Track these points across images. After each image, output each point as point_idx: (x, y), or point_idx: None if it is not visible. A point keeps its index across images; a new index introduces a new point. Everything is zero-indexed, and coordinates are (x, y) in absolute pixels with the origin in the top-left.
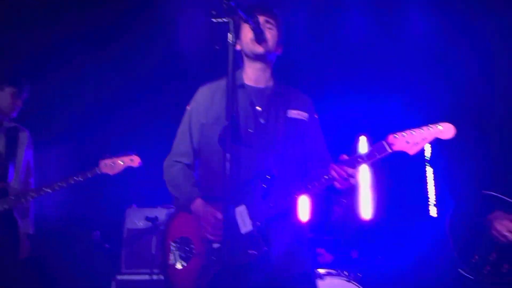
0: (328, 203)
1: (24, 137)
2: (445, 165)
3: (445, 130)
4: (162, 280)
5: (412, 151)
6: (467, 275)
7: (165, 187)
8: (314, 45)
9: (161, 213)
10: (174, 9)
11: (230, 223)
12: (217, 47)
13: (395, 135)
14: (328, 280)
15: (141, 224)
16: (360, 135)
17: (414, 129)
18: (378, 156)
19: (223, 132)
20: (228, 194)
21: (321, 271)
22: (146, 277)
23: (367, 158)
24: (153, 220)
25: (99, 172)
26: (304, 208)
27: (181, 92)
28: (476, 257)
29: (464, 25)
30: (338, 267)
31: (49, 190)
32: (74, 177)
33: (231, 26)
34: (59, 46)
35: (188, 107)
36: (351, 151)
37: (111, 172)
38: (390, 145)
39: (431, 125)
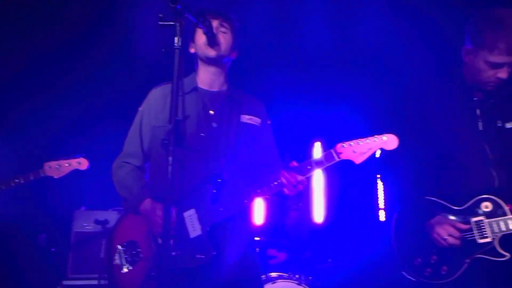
0: (283, 207)
1: None
2: (391, 171)
3: (389, 141)
4: (108, 285)
5: (358, 160)
6: (410, 277)
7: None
8: (270, 50)
9: (111, 216)
10: (126, 10)
11: (179, 227)
12: (163, 50)
13: (343, 144)
14: (280, 283)
15: (90, 227)
16: (315, 141)
17: (361, 139)
18: (326, 164)
19: (166, 136)
20: (172, 198)
21: (273, 274)
22: (94, 282)
23: (316, 165)
24: (103, 223)
25: (43, 175)
26: (259, 211)
27: (134, 93)
28: (419, 259)
29: (409, 38)
30: (290, 270)
31: None
32: (16, 180)
33: (178, 30)
34: (4, 42)
35: (140, 108)
36: (306, 156)
37: (56, 175)
38: (338, 153)
39: (376, 136)
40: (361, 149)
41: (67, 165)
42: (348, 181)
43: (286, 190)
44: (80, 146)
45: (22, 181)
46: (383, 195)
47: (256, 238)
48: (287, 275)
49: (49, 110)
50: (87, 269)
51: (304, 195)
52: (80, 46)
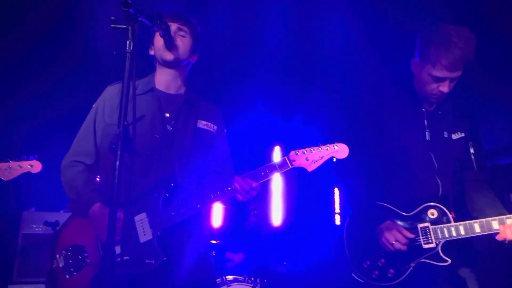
0: (242, 211)
1: None
2: (344, 177)
3: (340, 150)
4: None
5: (310, 168)
6: (358, 279)
7: None
8: (230, 55)
9: (63, 218)
10: (82, 9)
11: (129, 231)
12: (114, 53)
13: (296, 151)
14: (235, 287)
15: (39, 229)
16: (275, 145)
17: (314, 147)
18: (279, 170)
19: (114, 140)
20: (117, 202)
21: (229, 277)
22: (42, 286)
23: (269, 171)
24: (53, 225)
25: None
26: (217, 214)
27: (87, 93)
28: (368, 262)
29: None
30: (246, 273)
31: None
32: None
33: (130, 34)
34: None
35: (94, 105)
36: (266, 160)
37: (4, 177)
38: (291, 161)
39: (328, 145)
40: (313, 157)
41: (18, 167)
42: (305, 186)
43: (239, 196)
44: (31, 145)
45: None
46: (339, 200)
47: (213, 241)
48: (242, 278)
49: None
50: (34, 273)
51: (263, 200)
52: (36, 45)
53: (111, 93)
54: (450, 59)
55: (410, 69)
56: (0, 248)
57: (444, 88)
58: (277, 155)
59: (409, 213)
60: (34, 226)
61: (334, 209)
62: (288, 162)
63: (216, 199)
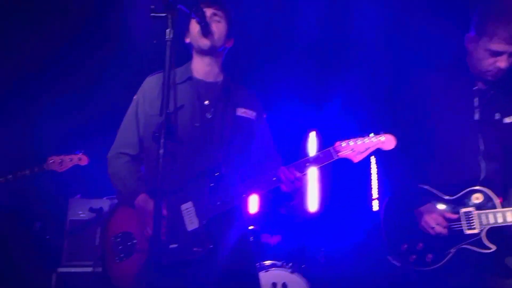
0: (278, 198)
1: None
2: (385, 158)
3: (387, 141)
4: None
5: (356, 159)
6: (395, 262)
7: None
8: (264, 42)
9: (106, 205)
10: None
11: (176, 220)
12: (154, 42)
13: (342, 142)
14: (273, 272)
15: (85, 215)
16: (310, 131)
17: (359, 138)
18: (324, 162)
19: (156, 129)
20: (163, 192)
21: (266, 262)
22: (89, 269)
23: (314, 163)
24: (98, 211)
25: (47, 169)
26: (253, 200)
27: (128, 83)
28: (405, 246)
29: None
30: (283, 258)
31: None
32: (22, 172)
33: (170, 22)
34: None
35: (134, 97)
36: (301, 148)
37: (58, 169)
38: (336, 152)
39: (374, 136)
40: (359, 148)
41: (69, 160)
42: (342, 171)
43: (283, 187)
44: (77, 136)
45: (28, 173)
46: (376, 185)
47: (250, 227)
48: (280, 263)
49: (46, 105)
50: (82, 256)
51: (298, 191)
52: (78, 40)
53: (150, 84)
54: (509, 31)
55: (461, 46)
56: (50, 233)
57: (502, 63)
58: (312, 141)
59: (451, 196)
60: (80, 212)
61: (371, 194)
62: (333, 153)
63: (262, 189)
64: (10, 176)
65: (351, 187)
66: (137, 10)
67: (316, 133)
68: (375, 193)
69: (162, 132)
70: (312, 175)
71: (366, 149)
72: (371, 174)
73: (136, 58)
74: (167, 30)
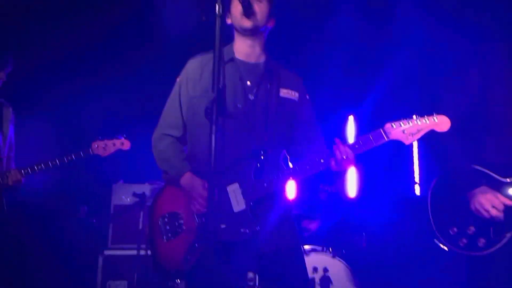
0: (317, 181)
1: (8, 112)
2: (435, 139)
3: (440, 123)
4: (149, 256)
5: (407, 141)
6: (442, 246)
7: (152, 163)
8: (303, 23)
9: (148, 189)
10: None
11: (223, 200)
12: (203, 19)
13: (392, 124)
14: (313, 256)
15: (128, 199)
16: (349, 115)
17: (410, 119)
18: (374, 144)
19: (210, 105)
20: (215, 169)
21: (306, 247)
22: (133, 252)
23: (363, 144)
24: (140, 196)
25: (91, 153)
26: (291, 186)
27: (170, 65)
28: (455, 229)
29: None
30: (323, 243)
31: (42, 167)
32: (67, 157)
33: None
34: (46, 22)
35: (177, 79)
36: (341, 130)
37: (102, 154)
38: (386, 133)
39: (427, 117)
40: (411, 130)
41: (112, 145)
42: (382, 155)
43: (334, 165)
44: (119, 122)
45: (73, 158)
46: (418, 169)
47: None
48: (320, 247)
49: (89, 91)
50: (126, 239)
51: (339, 176)
52: (119, 24)
53: (193, 66)
54: None
55: None
56: (96, 217)
57: None
58: (351, 125)
59: (508, 178)
60: (123, 197)
61: (413, 178)
62: (383, 134)
63: (309, 171)
64: (57, 161)
65: (390, 171)
66: None
67: (354, 117)
68: (416, 177)
69: (214, 108)
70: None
71: (418, 131)
72: (412, 157)
73: (177, 40)
74: (217, 6)
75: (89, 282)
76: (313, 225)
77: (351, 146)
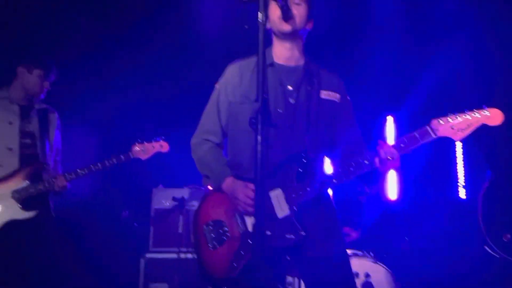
0: (356, 183)
1: (54, 118)
2: (488, 139)
3: (493, 116)
4: (190, 259)
5: (457, 137)
6: (493, 253)
7: (190, 168)
8: (343, 21)
9: (187, 194)
10: None
11: (266, 207)
12: (246, 27)
13: (439, 120)
14: (354, 261)
15: (168, 204)
16: (387, 115)
17: (458, 114)
18: (421, 142)
19: (254, 115)
20: (261, 178)
21: (347, 251)
22: (174, 255)
23: (409, 143)
24: (180, 200)
25: (132, 157)
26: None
27: (209, 72)
28: (508, 236)
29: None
30: (363, 247)
31: (85, 172)
32: (109, 161)
33: (261, 4)
34: (86, 30)
35: (216, 85)
36: (379, 131)
37: (142, 157)
38: (434, 130)
39: (476, 111)
40: (460, 125)
41: (151, 147)
42: (422, 155)
43: (379, 166)
44: (156, 127)
45: (115, 162)
46: (463, 171)
47: None
48: (361, 252)
49: (127, 95)
50: (166, 242)
51: (379, 178)
52: (160, 31)
53: (232, 72)
54: None
55: None
56: (137, 221)
57: None
58: (390, 126)
59: None
60: (163, 201)
61: (457, 181)
62: (431, 131)
63: (354, 173)
64: (99, 165)
65: (432, 172)
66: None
67: (394, 118)
68: (461, 178)
69: (259, 117)
70: None
71: (468, 126)
72: (455, 157)
73: (218, 45)
74: (259, 13)
75: (131, 284)
76: (354, 234)
77: (396, 146)
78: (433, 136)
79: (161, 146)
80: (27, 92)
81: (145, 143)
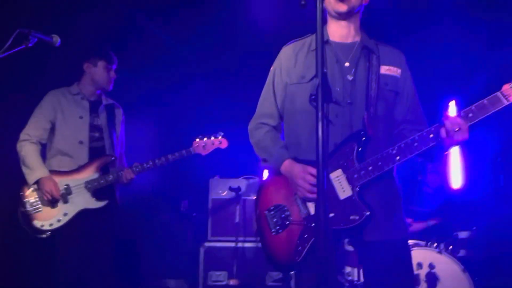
0: (416, 171)
1: (119, 113)
2: None
3: None
4: (247, 248)
5: None
6: None
7: (245, 159)
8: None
9: (242, 184)
10: None
11: (327, 188)
12: (303, 2)
13: (511, 84)
14: (417, 251)
15: (224, 194)
16: (450, 100)
17: None
18: (491, 110)
19: (314, 92)
20: (323, 158)
21: (409, 242)
22: (232, 244)
23: (478, 111)
24: (236, 190)
25: (193, 152)
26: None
27: (264, 59)
28: None
29: None
30: (426, 238)
31: (151, 165)
32: (172, 155)
33: None
34: (146, 28)
35: (271, 68)
36: (440, 116)
37: (203, 152)
38: (506, 96)
39: None
40: None
41: (211, 143)
42: (488, 137)
43: (445, 138)
44: (213, 120)
45: (177, 157)
46: None
47: None
48: (424, 243)
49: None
50: (224, 232)
51: (443, 164)
52: (214, 20)
53: (286, 53)
54: None
55: None
56: (196, 210)
57: None
58: (452, 112)
59: None
60: (220, 191)
61: None
62: (502, 97)
63: (418, 148)
64: (163, 159)
65: (501, 157)
66: None
67: (456, 102)
68: None
69: (319, 93)
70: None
71: None
72: None
73: (269, 29)
74: None
75: (192, 271)
76: (417, 225)
77: (463, 115)
78: (505, 102)
79: (220, 142)
80: (97, 84)
81: (205, 139)
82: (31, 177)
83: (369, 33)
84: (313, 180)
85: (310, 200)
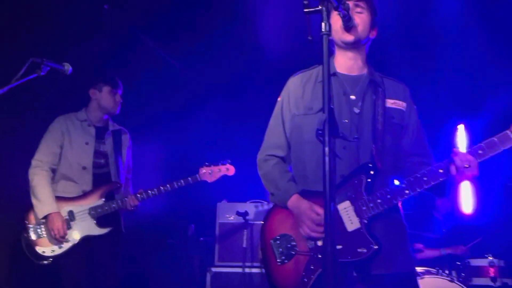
0: (424, 198)
1: (126, 139)
2: None
3: None
4: (254, 273)
5: None
6: None
7: (253, 183)
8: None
9: (250, 208)
10: (255, 3)
11: (335, 220)
12: (310, 38)
13: None
14: (427, 280)
15: (232, 218)
16: (458, 124)
17: None
18: (501, 148)
19: (322, 126)
20: (330, 191)
21: (419, 269)
22: (239, 270)
23: (488, 149)
24: (244, 214)
25: (199, 179)
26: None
27: (266, 88)
28: None
29: None
30: (437, 265)
31: (156, 192)
32: (177, 182)
33: (324, 15)
34: (154, 53)
35: (279, 98)
36: (450, 140)
37: (209, 179)
38: None
39: None
40: None
41: (218, 170)
42: (500, 162)
43: (455, 174)
44: (220, 144)
45: (183, 184)
46: None
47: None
48: (435, 270)
49: (192, 118)
50: (232, 257)
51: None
52: (222, 48)
53: (294, 84)
54: None
55: None
56: (203, 235)
57: None
58: (461, 135)
59: None
60: (227, 215)
61: None
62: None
63: (428, 183)
64: (168, 186)
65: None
66: (274, 12)
67: (465, 126)
68: None
69: (326, 128)
70: None
71: None
72: None
73: (278, 60)
74: (323, 24)
75: None
76: (428, 253)
77: (473, 152)
78: None
79: (227, 169)
80: (104, 109)
81: (212, 166)
82: (40, 210)
83: (375, 64)
84: (319, 220)
85: (313, 239)
